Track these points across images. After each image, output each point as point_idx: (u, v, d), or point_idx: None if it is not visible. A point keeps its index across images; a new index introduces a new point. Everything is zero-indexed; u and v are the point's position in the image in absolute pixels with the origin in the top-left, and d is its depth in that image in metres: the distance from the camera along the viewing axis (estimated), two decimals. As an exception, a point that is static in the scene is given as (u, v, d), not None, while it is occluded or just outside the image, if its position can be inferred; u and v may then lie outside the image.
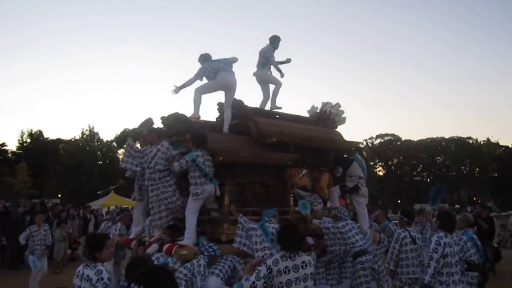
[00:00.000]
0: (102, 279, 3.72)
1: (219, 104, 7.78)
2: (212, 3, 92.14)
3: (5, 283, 10.70)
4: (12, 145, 50.73)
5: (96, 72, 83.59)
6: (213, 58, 7.57)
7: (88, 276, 3.78)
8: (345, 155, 8.26)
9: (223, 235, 6.05)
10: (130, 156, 6.91)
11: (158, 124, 7.21)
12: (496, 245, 13.55)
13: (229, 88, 7.46)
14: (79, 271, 3.89)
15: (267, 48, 8.46)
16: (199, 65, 7.52)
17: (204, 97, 7.46)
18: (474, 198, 55.79)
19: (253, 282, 3.80)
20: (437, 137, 62.29)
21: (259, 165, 6.86)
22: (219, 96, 7.66)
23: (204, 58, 7.55)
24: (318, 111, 8.71)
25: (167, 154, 6.38)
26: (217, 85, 7.43)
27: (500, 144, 61.34)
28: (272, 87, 8.68)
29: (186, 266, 5.38)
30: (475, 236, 6.25)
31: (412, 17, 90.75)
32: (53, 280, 10.07)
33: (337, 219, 6.72)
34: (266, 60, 8.46)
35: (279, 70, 8.54)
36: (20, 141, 50.56)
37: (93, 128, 48.21)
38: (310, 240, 6.44)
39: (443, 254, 4.69)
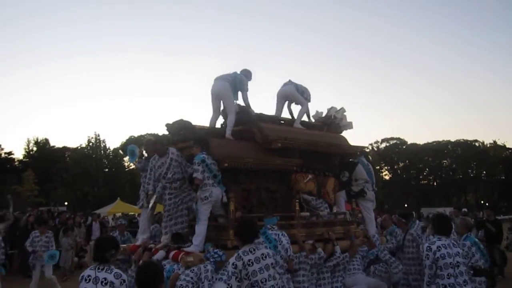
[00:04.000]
0: (125, 281, 3.75)
1: (223, 111, 7.80)
2: (218, 10, 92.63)
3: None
4: (18, 154, 51.12)
5: (102, 79, 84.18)
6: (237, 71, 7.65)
7: (106, 279, 3.75)
8: (350, 159, 8.25)
9: (228, 241, 6.04)
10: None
11: (163, 131, 7.26)
12: (505, 248, 13.46)
13: (219, 96, 7.46)
14: (89, 275, 3.82)
15: (294, 87, 8.29)
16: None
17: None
18: (482, 201, 55.40)
19: (227, 282, 4.27)
20: (443, 141, 62.08)
21: (264, 170, 6.86)
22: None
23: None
24: (323, 116, 8.71)
25: (180, 160, 6.44)
26: (211, 96, 7.51)
27: (507, 146, 61.02)
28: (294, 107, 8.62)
29: (193, 270, 5.38)
30: (477, 241, 6.15)
31: (417, 23, 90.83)
32: (61, 288, 10.08)
33: None
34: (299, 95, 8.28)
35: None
36: (27, 150, 50.85)
37: (99, 136, 48.38)
38: (309, 241, 6.51)
39: (435, 257, 4.62)
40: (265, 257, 4.22)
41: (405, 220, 7.05)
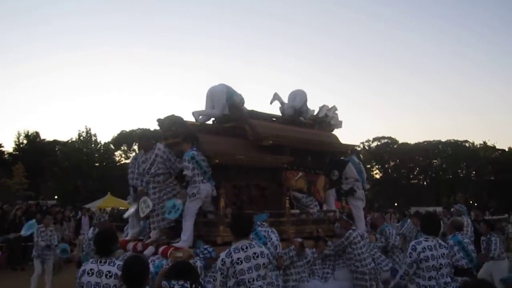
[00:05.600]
0: None
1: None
2: (209, 5, 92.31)
3: (2, 283, 10.70)
4: (8, 147, 50.67)
5: (93, 73, 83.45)
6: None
7: (110, 272, 3.71)
8: (341, 158, 8.28)
9: (218, 237, 6.06)
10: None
11: (155, 126, 7.25)
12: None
13: (212, 94, 7.51)
14: (92, 269, 3.77)
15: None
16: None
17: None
18: (471, 202, 55.86)
19: (212, 275, 4.23)
20: (434, 140, 62.37)
21: (255, 167, 6.89)
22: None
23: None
24: (314, 114, 8.74)
25: (165, 156, 6.40)
26: (206, 96, 7.61)
27: (497, 147, 61.46)
28: None
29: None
30: (462, 239, 6.09)
31: (409, 21, 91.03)
32: (52, 281, 10.03)
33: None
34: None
35: None
36: (17, 142, 50.43)
37: (90, 130, 48.09)
38: (298, 239, 6.55)
39: (418, 259, 4.63)
40: (257, 256, 4.07)
41: (352, 221, 7.11)
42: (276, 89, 8.44)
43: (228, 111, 7.52)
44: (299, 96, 8.60)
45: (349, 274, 6.70)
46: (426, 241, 4.75)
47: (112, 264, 3.79)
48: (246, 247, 4.09)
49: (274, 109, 8.76)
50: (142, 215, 6.55)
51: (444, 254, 4.75)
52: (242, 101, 7.72)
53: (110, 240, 3.95)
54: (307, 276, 6.39)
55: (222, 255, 4.16)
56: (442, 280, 4.64)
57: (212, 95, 7.50)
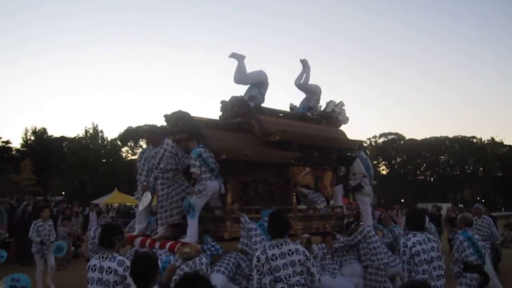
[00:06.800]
0: (129, 267, 3.69)
1: (222, 102, 7.80)
2: (213, 2, 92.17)
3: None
4: (16, 143, 51.09)
5: (100, 70, 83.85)
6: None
7: (110, 268, 3.78)
8: (348, 153, 8.25)
9: (226, 233, 6.07)
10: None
11: (162, 122, 7.27)
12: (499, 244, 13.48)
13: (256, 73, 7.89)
14: (95, 265, 3.85)
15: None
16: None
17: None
18: (478, 198, 55.54)
19: (250, 275, 4.27)
20: (441, 136, 62.02)
21: (262, 163, 6.87)
22: (222, 95, 7.72)
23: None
24: (321, 109, 8.71)
25: (174, 151, 6.43)
26: None
27: (504, 143, 61.09)
28: None
29: (188, 264, 5.40)
30: (472, 235, 6.03)
31: (415, 18, 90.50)
32: (58, 277, 10.10)
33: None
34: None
35: None
36: (24, 139, 50.74)
37: (96, 126, 48.19)
38: (305, 235, 6.53)
39: (411, 254, 4.68)
40: (292, 253, 4.10)
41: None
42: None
43: (255, 93, 7.72)
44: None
45: (358, 270, 6.68)
46: (414, 236, 4.81)
47: (112, 259, 3.85)
48: (281, 244, 4.14)
49: (280, 105, 8.79)
50: (141, 208, 6.62)
51: (434, 247, 4.80)
52: (262, 96, 7.84)
53: (111, 232, 4.02)
54: (320, 270, 6.38)
55: (257, 252, 4.22)
56: (435, 273, 4.69)
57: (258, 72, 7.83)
